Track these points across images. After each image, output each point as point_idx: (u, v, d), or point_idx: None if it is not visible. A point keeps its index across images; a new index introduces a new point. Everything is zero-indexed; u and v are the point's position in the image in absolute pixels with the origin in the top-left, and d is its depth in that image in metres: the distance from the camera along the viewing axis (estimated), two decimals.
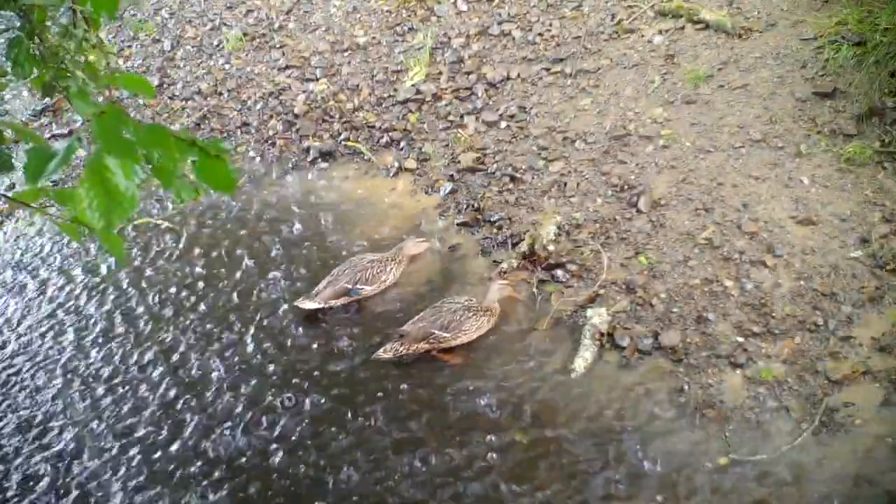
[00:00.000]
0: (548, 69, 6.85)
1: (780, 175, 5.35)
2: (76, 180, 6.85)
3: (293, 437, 4.55)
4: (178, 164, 1.69)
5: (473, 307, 4.85)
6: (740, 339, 4.57)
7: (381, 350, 4.85)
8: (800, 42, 6.15)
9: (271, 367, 5.00)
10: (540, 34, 7.21)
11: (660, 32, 6.75)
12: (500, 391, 4.63)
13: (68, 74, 2.67)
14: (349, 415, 4.63)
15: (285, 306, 5.39)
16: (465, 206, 5.94)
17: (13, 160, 2.73)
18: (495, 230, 5.69)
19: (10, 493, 4.47)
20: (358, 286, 5.20)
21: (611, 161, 5.86)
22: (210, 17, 8.82)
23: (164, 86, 7.97)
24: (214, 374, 5.01)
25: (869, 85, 5.49)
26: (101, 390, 5.02)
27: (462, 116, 6.71)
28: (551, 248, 5.28)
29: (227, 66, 8.04)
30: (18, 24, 2.58)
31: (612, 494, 4.03)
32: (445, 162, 6.36)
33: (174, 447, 4.59)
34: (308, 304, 5.19)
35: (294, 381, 4.88)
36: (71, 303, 5.76)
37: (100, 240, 1.96)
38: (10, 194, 2.42)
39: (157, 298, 5.65)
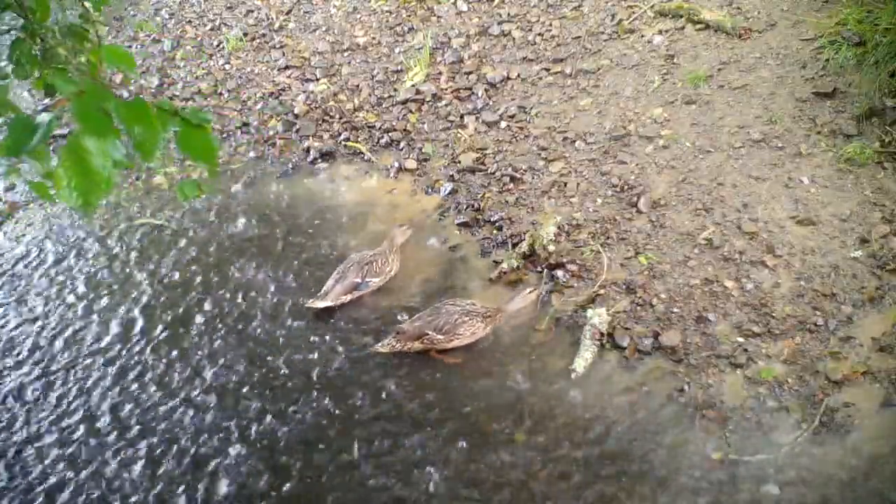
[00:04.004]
0: (548, 69, 6.85)
1: (780, 175, 5.36)
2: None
3: (306, 432, 4.56)
4: (160, 138, 1.68)
5: (472, 312, 4.83)
6: (740, 339, 4.58)
7: (379, 344, 4.90)
8: (800, 42, 6.16)
9: (274, 366, 5.01)
10: (540, 34, 7.21)
11: (660, 32, 6.75)
12: (499, 391, 4.64)
13: (69, 75, 2.67)
14: (342, 414, 4.64)
15: (286, 305, 5.39)
16: (465, 207, 5.95)
17: None
18: (495, 230, 5.70)
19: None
20: (367, 279, 5.29)
21: (611, 161, 5.86)
22: (210, 18, 8.83)
23: (165, 86, 7.97)
24: (218, 375, 5.01)
25: (869, 85, 5.50)
26: (105, 393, 5.03)
27: (462, 116, 6.71)
28: (551, 248, 5.28)
29: (227, 66, 8.04)
30: (20, 25, 2.59)
31: (612, 494, 4.04)
32: (445, 162, 6.36)
33: (188, 444, 4.60)
34: (319, 304, 5.26)
35: (298, 378, 4.90)
36: (65, 304, 5.76)
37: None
38: None
39: (155, 299, 5.65)
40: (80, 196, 1.60)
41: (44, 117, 1.65)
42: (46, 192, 2.31)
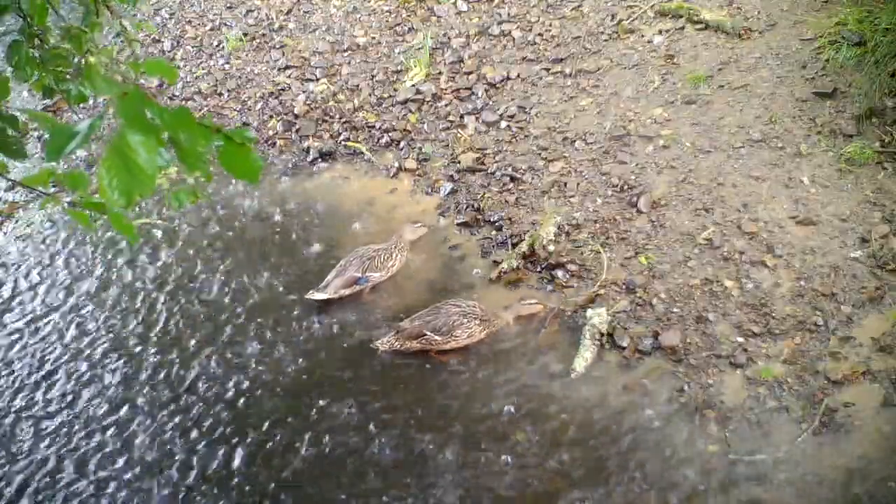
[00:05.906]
0: (548, 69, 6.85)
1: (780, 175, 5.36)
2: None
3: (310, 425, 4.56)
4: (207, 147, 1.65)
5: (471, 314, 4.83)
6: (740, 339, 4.58)
7: (378, 342, 4.92)
8: (800, 42, 6.16)
9: (272, 364, 5.01)
10: (540, 34, 7.20)
11: (660, 32, 6.75)
12: (500, 391, 4.64)
13: (67, 77, 2.68)
14: (341, 414, 4.64)
15: (286, 304, 5.39)
16: (465, 207, 5.95)
17: (25, 148, 2.73)
18: (495, 230, 5.70)
19: None
20: (367, 274, 5.29)
21: (611, 161, 5.86)
22: (210, 17, 8.81)
23: (165, 86, 7.97)
24: (220, 371, 5.02)
25: (869, 85, 5.50)
26: (112, 392, 5.04)
27: (462, 116, 6.71)
28: (551, 248, 5.28)
29: (227, 66, 8.03)
30: (18, 28, 2.58)
31: (612, 495, 4.04)
32: (445, 162, 6.36)
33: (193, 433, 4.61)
34: (318, 296, 5.28)
35: (302, 375, 4.90)
36: (68, 304, 5.76)
37: (110, 222, 1.95)
38: (19, 179, 2.44)
39: (157, 298, 5.65)
40: (122, 194, 1.58)
41: (83, 125, 1.63)
42: (86, 219, 2.30)
